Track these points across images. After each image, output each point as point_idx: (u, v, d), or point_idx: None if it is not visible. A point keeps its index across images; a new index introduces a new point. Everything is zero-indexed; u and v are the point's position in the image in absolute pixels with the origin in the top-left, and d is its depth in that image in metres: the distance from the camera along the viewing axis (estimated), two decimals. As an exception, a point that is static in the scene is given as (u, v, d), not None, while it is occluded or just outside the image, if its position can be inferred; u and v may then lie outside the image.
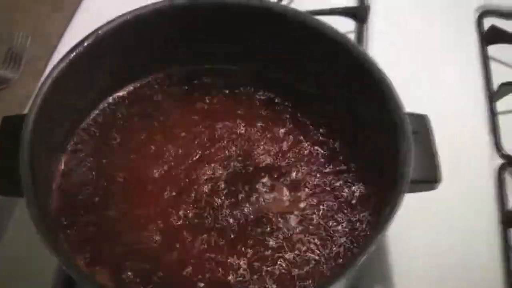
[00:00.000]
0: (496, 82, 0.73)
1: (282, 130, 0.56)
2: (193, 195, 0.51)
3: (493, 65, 0.76)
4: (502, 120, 0.71)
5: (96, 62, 0.52)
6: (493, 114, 0.71)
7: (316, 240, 0.50)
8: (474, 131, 0.70)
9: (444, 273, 0.60)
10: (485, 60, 0.77)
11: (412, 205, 0.53)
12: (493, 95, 0.73)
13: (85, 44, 0.50)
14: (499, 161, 0.68)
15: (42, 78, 0.63)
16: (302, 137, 0.56)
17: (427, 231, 0.61)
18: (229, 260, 0.48)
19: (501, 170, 0.67)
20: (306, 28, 0.55)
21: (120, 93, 0.57)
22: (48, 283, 0.55)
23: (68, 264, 0.42)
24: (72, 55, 0.50)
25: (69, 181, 0.52)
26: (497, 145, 0.69)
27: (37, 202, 0.43)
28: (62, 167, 0.53)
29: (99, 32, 0.51)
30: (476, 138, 0.69)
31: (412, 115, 0.50)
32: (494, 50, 0.78)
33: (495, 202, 0.64)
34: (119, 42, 0.53)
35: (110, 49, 0.53)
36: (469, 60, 0.76)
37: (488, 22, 0.80)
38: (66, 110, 0.52)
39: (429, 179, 0.49)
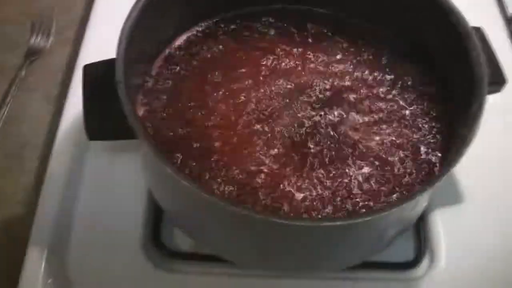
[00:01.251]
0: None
1: (353, 60, 0.58)
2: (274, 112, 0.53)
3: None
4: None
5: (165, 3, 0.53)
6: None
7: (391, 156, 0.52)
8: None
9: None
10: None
11: None
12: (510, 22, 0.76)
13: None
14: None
15: (87, 36, 0.65)
16: (368, 69, 0.58)
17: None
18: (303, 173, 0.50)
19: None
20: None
21: (187, 35, 0.58)
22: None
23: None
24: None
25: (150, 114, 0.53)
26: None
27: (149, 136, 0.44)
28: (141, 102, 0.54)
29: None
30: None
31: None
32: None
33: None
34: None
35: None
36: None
37: None
38: (143, 49, 0.52)
39: (496, 80, 0.52)
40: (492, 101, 0.49)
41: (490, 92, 0.53)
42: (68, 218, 0.55)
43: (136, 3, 0.50)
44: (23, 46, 0.73)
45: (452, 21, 0.52)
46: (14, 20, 0.76)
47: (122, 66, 0.46)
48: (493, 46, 0.54)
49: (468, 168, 0.50)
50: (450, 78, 0.54)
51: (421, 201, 0.51)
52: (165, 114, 0.53)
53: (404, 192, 0.50)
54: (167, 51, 0.57)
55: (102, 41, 0.62)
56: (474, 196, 0.60)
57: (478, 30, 0.55)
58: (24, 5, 0.77)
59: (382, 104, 0.55)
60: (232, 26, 0.59)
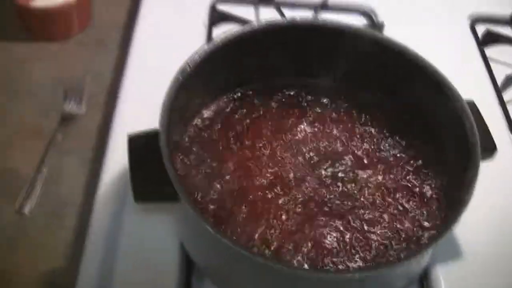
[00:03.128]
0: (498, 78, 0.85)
1: (360, 130, 0.66)
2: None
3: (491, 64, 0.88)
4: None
5: (199, 80, 0.60)
6: (503, 103, 0.82)
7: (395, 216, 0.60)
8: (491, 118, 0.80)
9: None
10: (485, 59, 0.88)
11: None
12: (500, 88, 0.84)
13: (207, 50, 0.60)
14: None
15: (119, 102, 0.72)
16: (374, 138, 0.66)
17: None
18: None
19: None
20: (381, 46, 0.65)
21: (227, 97, 0.67)
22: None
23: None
24: (194, 59, 0.59)
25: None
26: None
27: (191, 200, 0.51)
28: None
29: (218, 41, 0.61)
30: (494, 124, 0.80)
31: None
32: (490, 51, 0.90)
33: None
34: (232, 52, 0.62)
35: (223, 58, 0.62)
36: (472, 60, 0.88)
37: (479, 28, 0.93)
38: (179, 119, 0.60)
39: (488, 146, 0.60)
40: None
41: (484, 159, 0.60)
42: (109, 271, 0.61)
43: (173, 83, 0.57)
44: (57, 111, 0.79)
45: (448, 96, 0.60)
46: (47, 84, 0.83)
47: (165, 136, 0.54)
48: (484, 117, 0.62)
49: (467, 224, 0.56)
50: (447, 147, 0.62)
51: (424, 258, 0.57)
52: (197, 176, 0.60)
53: (411, 248, 0.57)
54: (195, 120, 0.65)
55: (133, 111, 0.71)
56: (475, 251, 0.65)
57: (471, 103, 0.63)
58: (56, 70, 0.85)
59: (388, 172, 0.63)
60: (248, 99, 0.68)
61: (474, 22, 0.94)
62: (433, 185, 0.62)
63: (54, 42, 0.89)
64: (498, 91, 0.84)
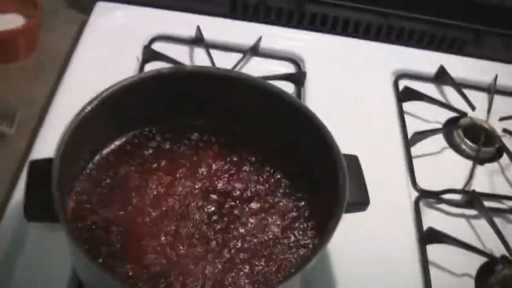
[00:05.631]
0: (410, 132, 0.91)
1: (245, 170, 0.71)
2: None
3: (406, 118, 0.94)
4: (416, 162, 0.88)
5: (98, 119, 0.65)
6: (409, 157, 0.89)
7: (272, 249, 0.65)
8: (395, 171, 0.86)
9: (375, 283, 0.75)
10: (401, 114, 0.94)
11: (349, 230, 0.70)
12: (408, 142, 0.90)
13: (94, 103, 0.64)
14: (415, 193, 0.84)
15: (45, 128, 0.77)
16: (258, 176, 0.71)
17: (362, 249, 0.76)
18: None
19: (417, 200, 0.84)
20: (262, 91, 0.70)
21: (117, 143, 0.71)
22: None
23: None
24: (84, 112, 0.63)
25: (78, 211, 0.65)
26: (413, 182, 0.86)
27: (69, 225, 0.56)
28: (73, 199, 0.66)
29: (103, 94, 0.65)
30: (397, 176, 0.86)
31: (346, 155, 0.66)
32: (407, 105, 0.96)
33: (413, 225, 0.81)
34: (119, 101, 0.67)
35: (111, 108, 0.66)
36: (389, 114, 0.94)
37: (402, 83, 0.99)
38: (78, 153, 0.65)
39: (361, 201, 0.65)
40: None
41: (358, 210, 0.66)
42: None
43: (75, 116, 0.62)
44: (-12, 130, 0.84)
45: (328, 149, 0.65)
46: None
47: (58, 166, 0.59)
48: (363, 173, 0.68)
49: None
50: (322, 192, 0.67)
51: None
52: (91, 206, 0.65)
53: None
54: (100, 154, 0.70)
55: (56, 136, 0.76)
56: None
57: (353, 157, 0.68)
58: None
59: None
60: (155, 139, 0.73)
61: (399, 77, 1.00)
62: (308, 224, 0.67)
63: (-3, 65, 0.94)
64: (407, 144, 0.89)
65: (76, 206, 0.65)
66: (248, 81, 0.70)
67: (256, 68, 0.94)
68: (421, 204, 0.84)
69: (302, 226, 0.67)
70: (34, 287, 0.67)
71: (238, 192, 0.69)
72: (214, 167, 0.71)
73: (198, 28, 0.97)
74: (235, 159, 0.72)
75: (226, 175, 0.70)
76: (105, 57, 0.91)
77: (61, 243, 0.66)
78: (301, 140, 0.69)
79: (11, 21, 0.93)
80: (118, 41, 0.95)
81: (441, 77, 1.00)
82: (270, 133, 0.72)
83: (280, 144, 0.72)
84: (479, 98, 0.99)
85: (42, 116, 0.86)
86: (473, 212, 0.84)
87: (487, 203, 0.83)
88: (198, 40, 0.97)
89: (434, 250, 0.79)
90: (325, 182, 0.66)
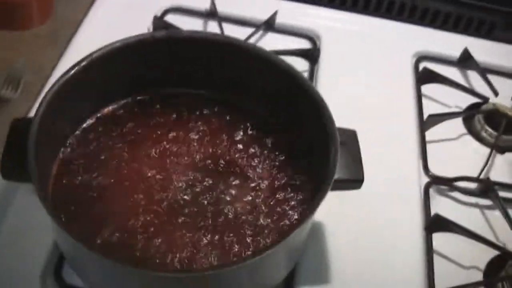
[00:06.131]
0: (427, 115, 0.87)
1: (239, 137, 0.69)
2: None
3: (425, 101, 0.90)
4: (430, 146, 0.84)
5: (87, 81, 0.63)
6: (423, 142, 0.84)
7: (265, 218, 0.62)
8: (407, 153, 0.82)
9: (373, 269, 0.71)
10: (419, 96, 0.90)
11: (350, 209, 0.67)
12: (423, 126, 0.86)
13: (81, 64, 0.62)
14: (426, 179, 0.80)
15: (44, 91, 0.75)
16: (255, 145, 0.68)
17: (362, 231, 0.73)
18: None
19: (427, 186, 0.79)
20: (262, 60, 0.67)
21: (105, 110, 0.69)
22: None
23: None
24: (70, 73, 0.62)
25: (62, 177, 0.63)
26: (425, 167, 0.81)
27: (41, 184, 0.54)
28: (57, 165, 0.64)
29: (93, 56, 0.63)
30: (408, 158, 0.82)
31: (342, 129, 0.63)
32: (427, 88, 0.92)
33: (421, 211, 0.77)
34: (107, 65, 0.65)
35: (100, 71, 0.64)
36: (406, 96, 0.90)
37: (423, 66, 0.94)
38: (62, 117, 0.63)
39: (354, 178, 0.62)
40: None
41: (351, 188, 0.63)
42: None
43: (60, 77, 0.61)
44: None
45: (324, 122, 0.62)
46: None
47: (37, 124, 0.57)
48: (360, 149, 0.64)
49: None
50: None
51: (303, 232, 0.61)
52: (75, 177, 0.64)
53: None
54: (85, 122, 0.68)
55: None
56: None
57: (351, 132, 0.65)
58: (5, 57, 0.89)
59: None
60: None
61: (420, 59, 0.95)
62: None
63: (12, 31, 0.93)
64: (421, 127, 0.85)
65: (58, 172, 0.63)
66: (245, 48, 0.67)
67: (270, 43, 0.92)
68: (431, 190, 0.79)
69: (293, 200, 0.64)
70: (13, 256, 0.66)
71: (226, 162, 0.66)
72: (207, 137, 0.68)
73: (212, 0, 0.94)
74: (231, 129, 0.69)
75: (221, 145, 0.68)
76: (115, 26, 0.89)
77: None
78: (297, 111, 0.66)
79: (25, -12, 0.93)
80: (130, 11, 0.94)
81: (465, 61, 0.95)
82: (266, 102, 0.70)
83: (281, 117, 0.70)
84: (504, 85, 0.94)
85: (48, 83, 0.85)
86: (487, 202, 0.80)
87: (502, 194, 0.79)
88: (211, 13, 0.95)
89: (441, 239, 0.75)
90: (319, 156, 0.62)
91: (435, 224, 0.75)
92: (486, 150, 0.85)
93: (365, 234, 0.73)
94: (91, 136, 0.67)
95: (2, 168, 0.58)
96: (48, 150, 0.62)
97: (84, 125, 0.68)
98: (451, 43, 0.98)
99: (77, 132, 0.67)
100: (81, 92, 0.64)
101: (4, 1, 0.90)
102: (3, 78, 0.86)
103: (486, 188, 0.79)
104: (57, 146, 0.65)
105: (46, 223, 0.58)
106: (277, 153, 0.68)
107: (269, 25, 0.94)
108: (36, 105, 0.74)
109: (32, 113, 0.75)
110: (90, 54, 0.63)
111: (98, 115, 0.69)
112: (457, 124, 0.88)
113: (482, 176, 0.81)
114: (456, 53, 0.96)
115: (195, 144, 0.67)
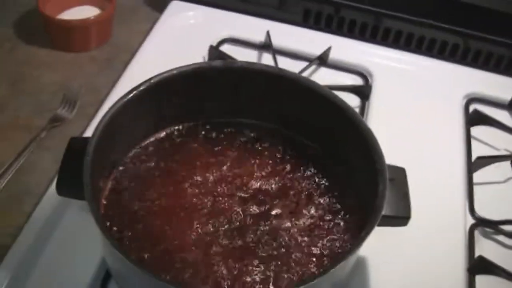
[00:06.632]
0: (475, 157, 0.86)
1: (286, 170, 0.70)
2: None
3: (474, 143, 0.89)
4: (477, 188, 0.84)
5: (144, 105, 0.65)
6: (470, 183, 0.84)
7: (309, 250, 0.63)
8: (454, 194, 0.82)
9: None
10: (468, 138, 0.90)
11: (395, 246, 0.67)
12: (471, 167, 0.85)
13: (140, 89, 0.64)
14: (472, 221, 0.80)
15: (99, 113, 0.78)
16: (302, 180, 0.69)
17: (405, 268, 0.72)
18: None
19: (472, 227, 0.79)
20: (315, 94, 0.68)
21: (159, 134, 0.71)
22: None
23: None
24: (128, 97, 0.64)
25: (114, 196, 0.65)
26: (471, 209, 0.81)
27: (95, 204, 0.56)
28: (109, 185, 0.66)
29: (151, 81, 0.65)
30: (454, 199, 0.81)
31: (392, 166, 0.63)
32: (476, 130, 0.91)
33: (465, 253, 0.76)
34: (164, 91, 0.67)
35: (156, 96, 0.66)
36: (455, 137, 0.89)
37: (473, 108, 0.94)
38: (118, 138, 0.65)
39: (401, 215, 0.62)
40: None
41: (398, 225, 0.63)
42: (34, 258, 0.67)
43: (118, 100, 0.63)
44: (51, 112, 0.87)
45: (374, 158, 0.62)
46: (50, 88, 0.91)
47: (94, 144, 0.59)
48: (408, 186, 0.64)
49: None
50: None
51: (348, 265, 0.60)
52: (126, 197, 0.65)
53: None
54: (139, 145, 0.70)
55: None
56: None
57: (401, 169, 0.65)
58: (63, 78, 0.93)
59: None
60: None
61: (470, 101, 0.95)
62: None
63: (70, 53, 0.97)
64: (469, 169, 0.85)
65: (110, 191, 0.65)
66: (299, 81, 0.68)
67: (322, 77, 0.93)
68: (476, 232, 0.79)
69: (336, 234, 0.65)
70: (61, 270, 0.67)
71: (276, 192, 0.67)
72: (255, 166, 0.70)
73: (268, 33, 0.96)
74: (277, 159, 0.71)
75: (267, 175, 0.69)
76: (171, 53, 0.92)
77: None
78: (347, 146, 0.67)
79: (87, 13, 0.96)
80: (186, 39, 0.96)
81: (517, 104, 0.95)
82: (314, 134, 0.71)
83: (325, 149, 0.70)
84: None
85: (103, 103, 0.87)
86: (533, 247, 0.78)
87: (550, 240, 0.77)
88: (266, 45, 0.96)
89: (484, 282, 0.73)
90: (365, 190, 0.63)
91: (478, 266, 0.74)
92: (535, 196, 0.84)
93: (408, 271, 0.73)
94: (144, 158, 0.69)
95: (58, 184, 0.60)
96: (102, 169, 0.64)
97: (138, 147, 0.69)
98: (502, 86, 0.97)
99: (131, 153, 0.69)
100: (137, 115, 0.66)
101: (64, 23, 0.94)
102: (60, 98, 0.89)
103: (532, 233, 0.78)
104: (111, 166, 0.66)
105: (95, 239, 0.59)
106: (327, 187, 0.68)
107: (322, 60, 0.95)
108: (91, 125, 0.79)
109: (86, 133, 0.78)
110: (149, 79, 0.65)
111: (152, 139, 0.70)
112: (506, 167, 0.87)
113: (529, 221, 0.80)
114: (507, 96, 0.96)
115: (246, 173, 0.68)
